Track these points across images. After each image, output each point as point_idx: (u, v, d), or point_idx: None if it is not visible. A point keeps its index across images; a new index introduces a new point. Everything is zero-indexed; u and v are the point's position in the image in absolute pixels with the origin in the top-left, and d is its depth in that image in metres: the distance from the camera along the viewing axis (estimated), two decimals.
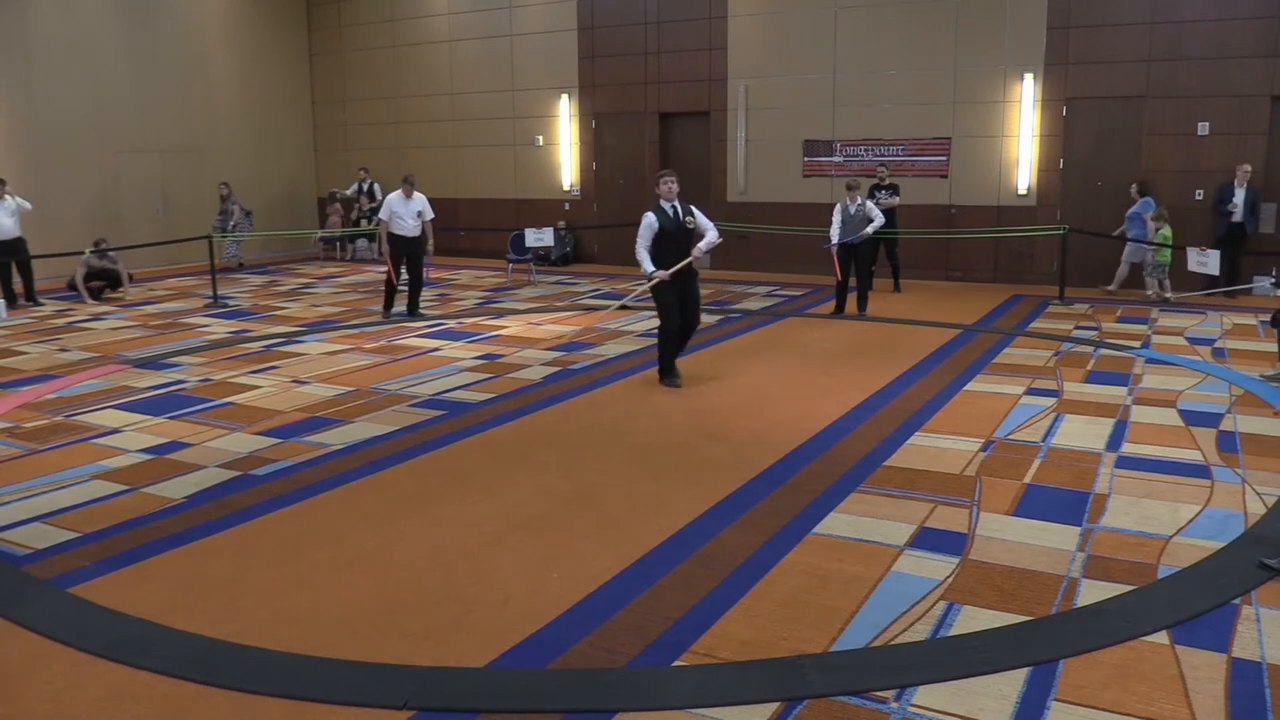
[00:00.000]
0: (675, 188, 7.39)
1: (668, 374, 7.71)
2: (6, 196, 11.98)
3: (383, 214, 11.07)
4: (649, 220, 7.36)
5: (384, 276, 11.51)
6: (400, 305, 11.39)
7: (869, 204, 10.78)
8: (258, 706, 3.25)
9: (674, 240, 7.35)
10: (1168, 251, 11.55)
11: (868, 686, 3.29)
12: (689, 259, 7.38)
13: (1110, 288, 12.38)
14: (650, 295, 7.64)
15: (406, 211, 10.98)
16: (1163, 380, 7.66)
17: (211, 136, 17.16)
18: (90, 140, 15.24)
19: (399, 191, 11.07)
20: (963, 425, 6.43)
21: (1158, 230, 11.61)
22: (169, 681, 3.40)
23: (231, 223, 15.77)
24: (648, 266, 7.35)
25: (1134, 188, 12.16)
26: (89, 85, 15.19)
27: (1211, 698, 3.21)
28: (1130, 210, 12.16)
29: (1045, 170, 13.13)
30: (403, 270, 11.30)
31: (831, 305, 11.10)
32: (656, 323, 7.81)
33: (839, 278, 10.77)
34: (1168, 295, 11.63)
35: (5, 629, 3.80)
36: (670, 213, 7.40)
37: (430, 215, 11.22)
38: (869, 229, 10.58)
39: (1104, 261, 12.64)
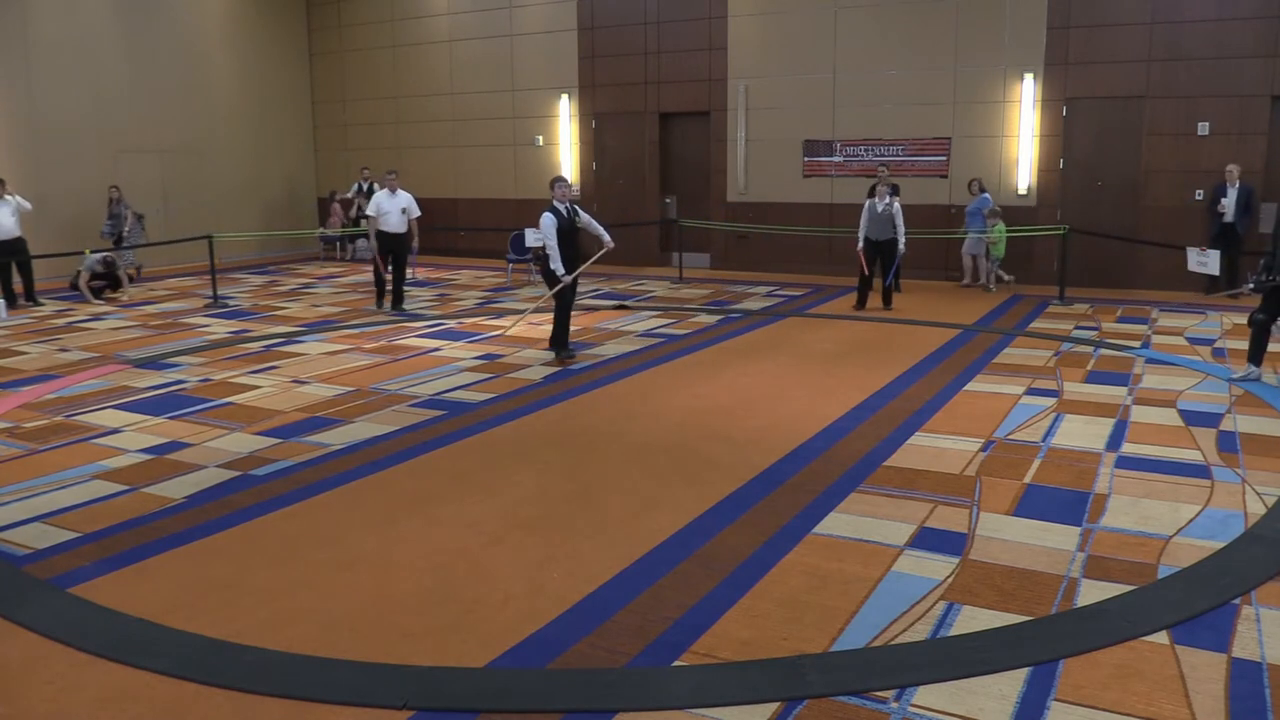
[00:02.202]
0: (569, 191, 8.69)
1: (565, 347, 8.68)
2: (7, 196, 11.99)
3: (370, 210, 11.48)
4: (550, 220, 8.44)
5: (373, 274, 11.85)
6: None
7: (896, 204, 11.07)
8: (258, 706, 3.25)
9: (568, 235, 8.56)
10: (1003, 245, 12.62)
11: (868, 686, 3.29)
12: (589, 263, 9.03)
13: (965, 282, 13.18)
14: (547, 283, 8.75)
15: (392, 207, 11.28)
16: (1163, 380, 7.66)
17: (211, 136, 17.17)
18: (90, 140, 15.24)
19: (384, 189, 11.40)
20: (963, 425, 6.43)
21: (993, 226, 12.57)
22: (169, 681, 3.40)
23: (126, 228, 14.43)
24: (560, 269, 8.47)
25: (974, 184, 12.90)
26: (89, 85, 15.19)
27: (1211, 698, 3.21)
28: (969, 207, 12.93)
29: (1045, 170, 13.13)
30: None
31: (848, 302, 11.53)
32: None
33: (865, 273, 11.26)
34: (1007, 278, 12.77)
35: (5, 629, 3.80)
36: (565, 213, 8.55)
37: (416, 213, 11.52)
38: (900, 242, 11.06)
39: (1104, 262, 12.65)
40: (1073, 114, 12.88)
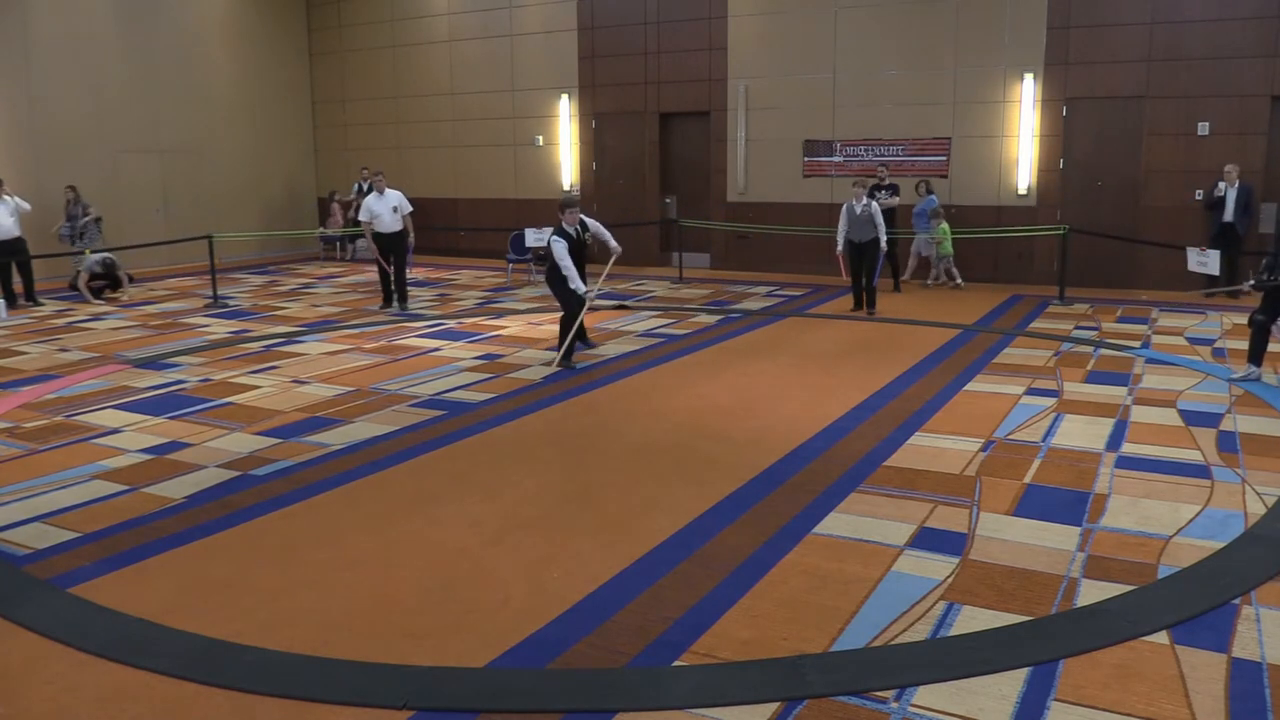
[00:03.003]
0: (579, 216, 8.68)
1: (569, 356, 8.52)
2: (6, 196, 11.99)
3: (363, 216, 11.55)
4: (562, 245, 8.44)
5: (377, 275, 11.95)
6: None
7: (874, 205, 10.89)
8: (258, 706, 3.25)
9: (576, 254, 8.64)
10: (949, 243, 13.07)
11: (868, 686, 3.29)
12: (601, 279, 9.31)
13: (904, 278, 13.49)
14: (555, 293, 8.73)
15: (382, 209, 11.33)
16: (1163, 380, 7.66)
17: (211, 136, 17.17)
18: (90, 140, 15.24)
19: (373, 191, 11.48)
20: (963, 425, 6.43)
21: (938, 225, 13.03)
22: (169, 681, 3.40)
23: (81, 229, 13.69)
24: (580, 285, 8.46)
25: (920, 186, 13.30)
26: (89, 85, 15.19)
27: (1211, 698, 3.21)
28: (916, 208, 13.30)
29: (1045, 170, 13.12)
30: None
31: (847, 302, 11.38)
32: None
33: (847, 277, 11.10)
34: (958, 281, 13.13)
35: (5, 629, 3.80)
36: (573, 234, 8.60)
37: (408, 209, 11.54)
38: (882, 242, 10.80)
39: (1104, 262, 12.66)
40: (1073, 114, 12.88)
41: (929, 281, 13.35)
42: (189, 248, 14.83)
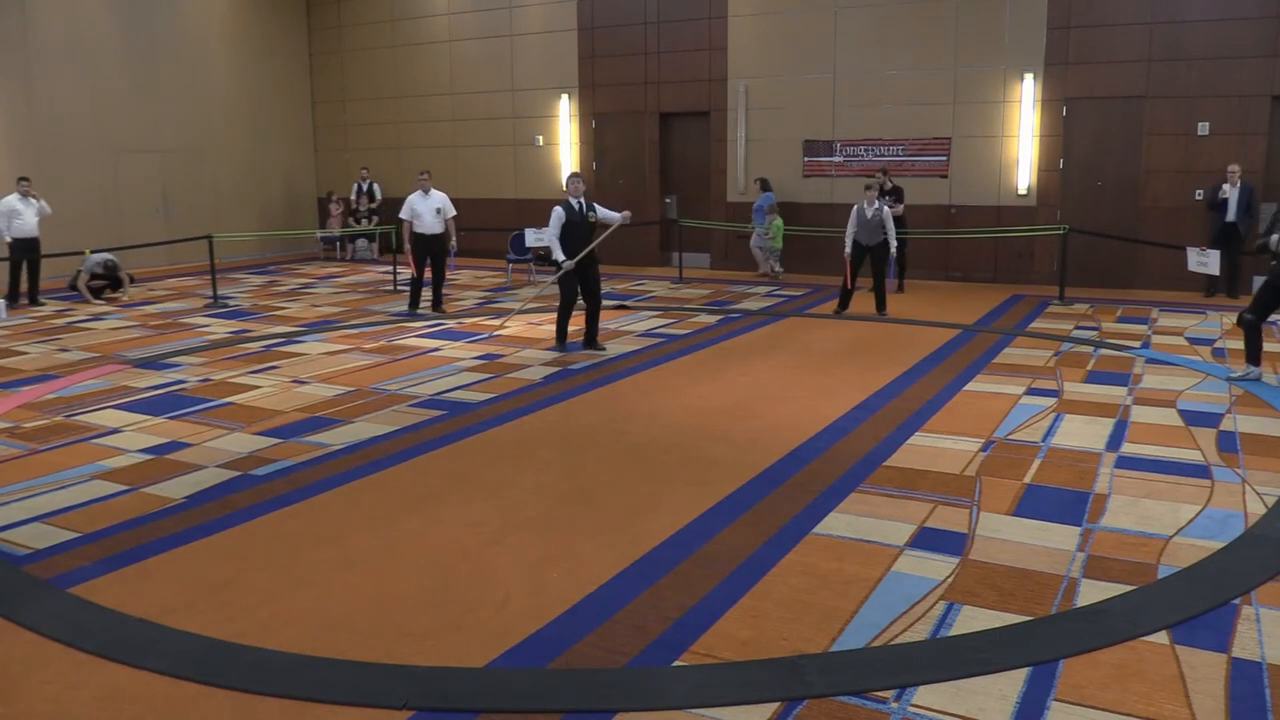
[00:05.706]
0: (581, 187, 9.03)
1: (563, 340, 9.07)
2: (31, 198, 12.07)
3: (404, 214, 11.26)
4: (558, 213, 8.84)
5: (407, 275, 11.75)
6: (422, 302, 11.60)
7: (886, 209, 10.71)
8: (258, 706, 3.25)
9: (578, 230, 8.86)
10: (780, 239, 14.16)
11: (868, 686, 3.29)
12: (591, 246, 8.99)
13: (759, 271, 14.57)
14: (556, 282, 9.04)
15: (426, 209, 11.12)
16: (1163, 380, 7.66)
17: (211, 136, 17.17)
18: (90, 140, 15.24)
19: (418, 190, 11.19)
20: (963, 425, 6.43)
21: (772, 220, 14.00)
22: (169, 681, 3.40)
23: None
24: (560, 255, 8.83)
25: (757, 182, 14.15)
26: (89, 85, 15.19)
27: (1211, 698, 3.21)
28: (755, 204, 14.27)
29: (1045, 170, 13.13)
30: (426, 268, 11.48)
31: (834, 304, 11.21)
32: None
33: (846, 277, 10.82)
34: (778, 270, 14.31)
35: (5, 629, 3.80)
36: (576, 207, 8.88)
37: (452, 212, 11.40)
38: (891, 246, 10.65)
39: (1104, 262, 12.66)
40: (1073, 114, 12.88)
41: (758, 272, 14.52)
42: (189, 248, 14.82)
